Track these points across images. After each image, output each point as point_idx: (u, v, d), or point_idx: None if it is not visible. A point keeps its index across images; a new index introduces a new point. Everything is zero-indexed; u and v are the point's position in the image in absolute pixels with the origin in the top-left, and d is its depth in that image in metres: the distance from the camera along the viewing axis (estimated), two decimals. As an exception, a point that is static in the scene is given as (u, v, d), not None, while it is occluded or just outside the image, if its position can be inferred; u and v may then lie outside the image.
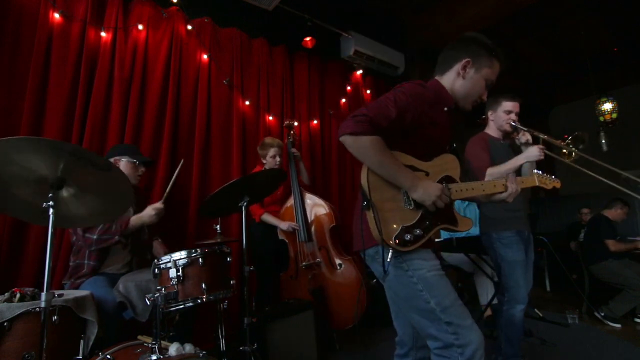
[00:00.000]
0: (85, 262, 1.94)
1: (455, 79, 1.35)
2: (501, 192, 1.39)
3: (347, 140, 1.14)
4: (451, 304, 1.16)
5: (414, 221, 1.21)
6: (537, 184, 1.57)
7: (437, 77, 1.40)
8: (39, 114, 2.31)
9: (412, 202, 1.22)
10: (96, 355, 1.32)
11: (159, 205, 2.00)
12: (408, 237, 1.19)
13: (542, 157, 1.99)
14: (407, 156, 1.24)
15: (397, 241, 1.17)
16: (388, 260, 1.17)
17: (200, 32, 3.15)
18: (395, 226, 1.19)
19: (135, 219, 1.98)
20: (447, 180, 1.30)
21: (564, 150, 2.03)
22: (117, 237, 1.92)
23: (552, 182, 1.66)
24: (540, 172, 1.65)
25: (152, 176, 2.74)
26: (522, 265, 2.07)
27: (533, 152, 1.99)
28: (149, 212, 1.98)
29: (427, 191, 1.19)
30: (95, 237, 1.91)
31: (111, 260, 2.01)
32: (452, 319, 1.14)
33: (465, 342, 1.11)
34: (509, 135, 2.26)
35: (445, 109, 1.30)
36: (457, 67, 1.34)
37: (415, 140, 1.27)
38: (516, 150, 2.17)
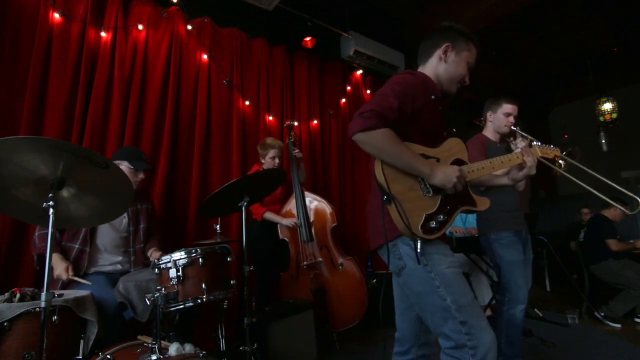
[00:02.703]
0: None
1: (438, 64, 1.38)
2: (520, 170, 1.47)
3: (360, 137, 1.15)
4: (467, 303, 1.15)
5: (436, 208, 1.22)
6: (540, 155, 1.61)
7: (420, 68, 1.44)
8: (39, 114, 2.31)
9: (430, 189, 1.23)
10: (96, 355, 1.32)
11: (65, 275, 1.82)
12: (433, 224, 1.20)
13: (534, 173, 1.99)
14: (415, 145, 1.25)
15: (423, 231, 1.18)
16: (419, 250, 1.17)
17: (200, 32, 3.15)
18: (419, 215, 1.19)
19: (53, 259, 1.80)
20: (458, 163, 1.33)
21: (558, 161, 2.04)
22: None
23: (552, 151, 1.68)
24: (539, 143, 1.68)
25: (152, 177, 2.74)
26: (521, 265, 2.08)
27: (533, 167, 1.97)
28: (61, 271, 1.82)
29: (447, 175, 1.20)
30: (35, 238, 1.88)
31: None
32: (467, 318, 1.13)
33: (477, 344, 1.10)
34: (505, 138, 2.27)
35: (433, 97, 1.33)
36: (439, 52, 1.38)
37: (417, 129, 1.28)
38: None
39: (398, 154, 1.17)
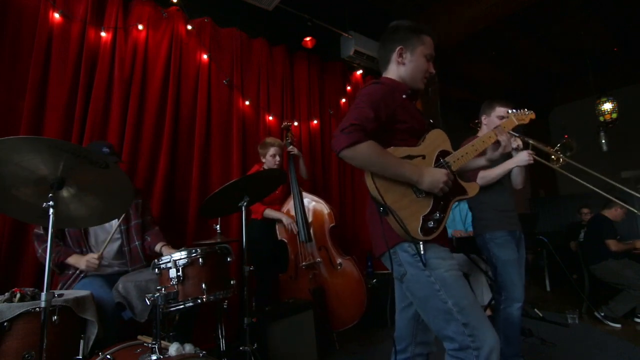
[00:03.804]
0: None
1: (397, 68, 1.41)
2: (495, 150, 1.45)
3: (347, 153, 1.17)
4: (468, 305, 1.17)
5: (430, 207, 1.25)
6: (517, 122, 1.63)
7: (384, 75, 1.47)
8: (39, 114, 2.31)
9: (422, 190, 1.25)
10: (96, 355, 1.32)
11: (93, 260, 1.85)
12: (431, 224, 1.22)
13: (532, 162, 2.05)
14: (400, 148, 1.27)
15: (423, 233, 1.20)
16: (422, 252, 1.19)
17: (200, 32, 3.15)
18: (416, 219, 1.21)
19: (73, 260, 1.89)
20: (443, 154, 1.35)
21: (553, 157, 2.05)
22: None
23: (527, 115, 1.72)
24: (514, 110, 1.70)
25: (152, 176, 2.74)
26: (516, 264, 2.11)
27: (522, 157, 2.06)
28: (85, 262, 1.85)
29: (434, 179, 1.22)
30: (39, 250, 1.88)
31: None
32: (469, 320, 1.14)
33: (481, 345, 1.12)
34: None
35: (404, 96, 1.35)
36: (394, 57, 1.40)
37: (398, 131, 1.31)
38: (507, 154, 2.18)
39: (385, 164, 1.19)
